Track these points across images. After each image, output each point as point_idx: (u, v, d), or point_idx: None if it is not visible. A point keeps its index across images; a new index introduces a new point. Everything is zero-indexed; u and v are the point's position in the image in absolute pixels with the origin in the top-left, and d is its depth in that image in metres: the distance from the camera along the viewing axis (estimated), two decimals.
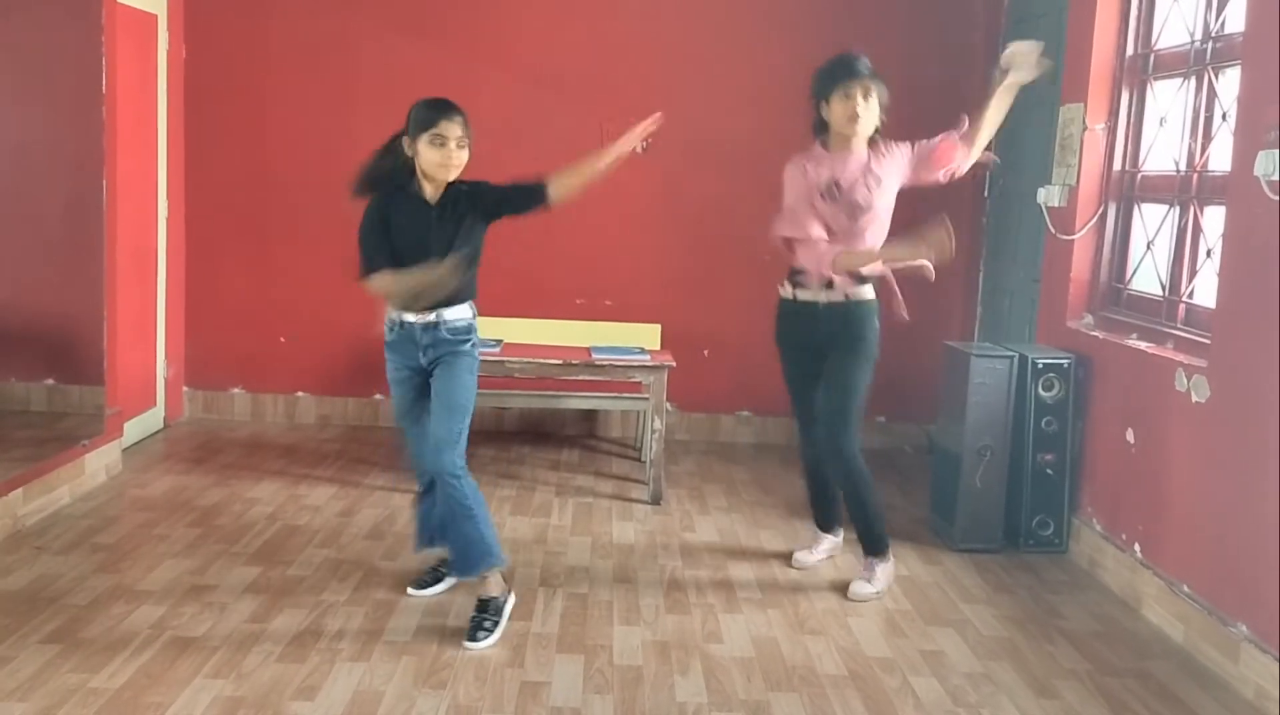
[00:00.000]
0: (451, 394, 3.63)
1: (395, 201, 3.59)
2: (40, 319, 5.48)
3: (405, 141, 3.55)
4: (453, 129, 3.50)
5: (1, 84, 5.34)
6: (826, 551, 4.45)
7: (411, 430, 3.82)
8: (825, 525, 4.46)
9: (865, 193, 3.94)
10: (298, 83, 6.18)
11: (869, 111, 3.92)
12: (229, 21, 6.15)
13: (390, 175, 3.61)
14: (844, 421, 4.02)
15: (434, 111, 3.52)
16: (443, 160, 3.51)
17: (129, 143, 5.40)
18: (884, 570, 4.17)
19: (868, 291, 4.03)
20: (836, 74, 3.93)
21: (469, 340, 3.68)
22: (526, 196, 3.65)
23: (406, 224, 3.57)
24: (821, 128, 4.04)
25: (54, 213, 5.35)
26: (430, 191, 3.59)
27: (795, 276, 4.07)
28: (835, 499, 4.36)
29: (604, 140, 3.91)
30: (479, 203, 3.61)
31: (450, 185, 3.60)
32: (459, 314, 3.65)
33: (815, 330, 4.05)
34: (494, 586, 3.69)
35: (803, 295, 4.05)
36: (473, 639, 3.54)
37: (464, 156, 3.55)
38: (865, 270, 3.99)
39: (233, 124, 6.19)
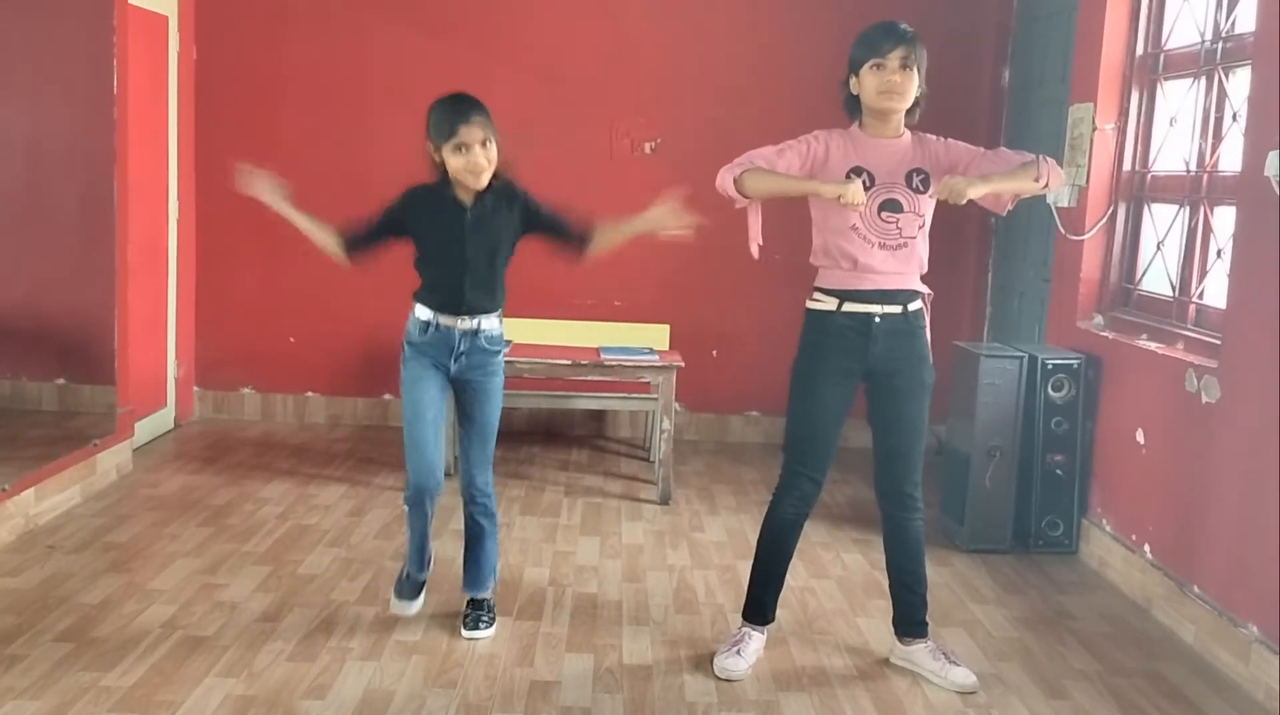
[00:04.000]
0: (488, 419, 3.57)
1: (424, 202, 3.43)
2: (51, 318, 5.50)
3: (430, 148, 3.37)
4: (473, 133, 3.29)
5: (13, 85, 5.37)
6: (757, 652, 3.53)
7: (426, 433, 3.48)
8: (771, 615, 3.60)
9: (905, 191, 3.29)
10: (308, 83, 6.19)
11: (907, 85, 3.23)
12: (240, 23, 6.17)
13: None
14: (919, 468, 3.46)
15: (451, 116, 3.31)
16: (469, 166, 3.32)
17: (140, 143, 5.42)
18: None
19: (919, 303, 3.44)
20: (869, 41, 3.25)
21: (500, 351, 3.58)
22: (567, 233, 3.51)
23: (435, 227, 3.43)
24: (855, 109, 3.36)
25: (65, 213, 5.38)
26: (464, 192, 3.40)
27: (839, 291, 3.36)
28: (784, 577, 3.60)
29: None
30: (517, 208, 3.45)
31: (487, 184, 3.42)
32: (495, 324, 3.53)
33: (866, 353, 3.37)
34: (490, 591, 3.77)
35: (852, 307, 3.34)
36: (475, 628, 3.62)
37: (492, 154, 3.34)
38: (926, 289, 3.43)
39: (244, 124, 6.20)
